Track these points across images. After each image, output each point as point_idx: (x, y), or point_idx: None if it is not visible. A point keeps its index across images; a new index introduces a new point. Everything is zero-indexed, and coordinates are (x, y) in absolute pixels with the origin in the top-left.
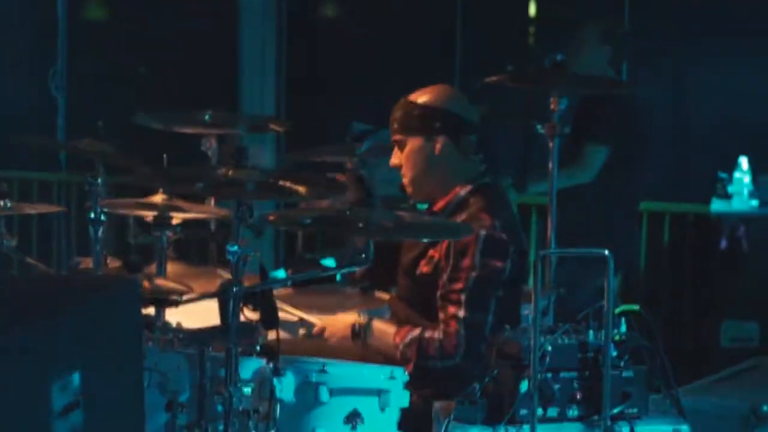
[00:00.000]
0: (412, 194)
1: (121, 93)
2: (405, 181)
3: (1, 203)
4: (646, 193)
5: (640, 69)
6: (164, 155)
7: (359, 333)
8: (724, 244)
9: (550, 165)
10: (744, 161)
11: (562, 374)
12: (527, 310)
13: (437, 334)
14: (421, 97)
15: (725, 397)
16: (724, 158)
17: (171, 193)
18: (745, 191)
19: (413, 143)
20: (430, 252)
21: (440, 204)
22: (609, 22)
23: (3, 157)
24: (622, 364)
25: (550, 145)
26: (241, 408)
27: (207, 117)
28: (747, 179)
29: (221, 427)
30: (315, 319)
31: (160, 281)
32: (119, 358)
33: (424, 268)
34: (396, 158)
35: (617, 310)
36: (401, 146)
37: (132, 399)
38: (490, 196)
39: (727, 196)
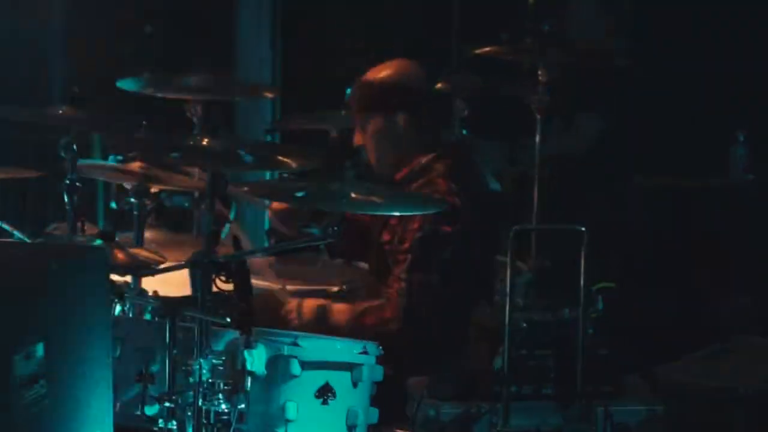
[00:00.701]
0: (377, 169)
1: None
2: (370, 158)
3: None
4: (645, 167)
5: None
6: (143, 121)
7: (321, 317)
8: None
9: (537, 137)
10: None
11: (537, 352)
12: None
13: (379, 301)
14: (378, 76)
15: (703, 378)
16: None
17: (149, 162)
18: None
19: (374, 123)
20: (391, 221)
21: (403, 172)
22: None
23: None
24: (598, 342)
25: (538, 117)
26: (211, 380)
27: (189, 81)
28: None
29: (191, 399)
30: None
31: (134, 250)
32: (86, 328)
33: (385, 236)
34: (359, 138)
35: (593, 288)
36: (362, 126)
37: (99, 370)
38: (451, 162)
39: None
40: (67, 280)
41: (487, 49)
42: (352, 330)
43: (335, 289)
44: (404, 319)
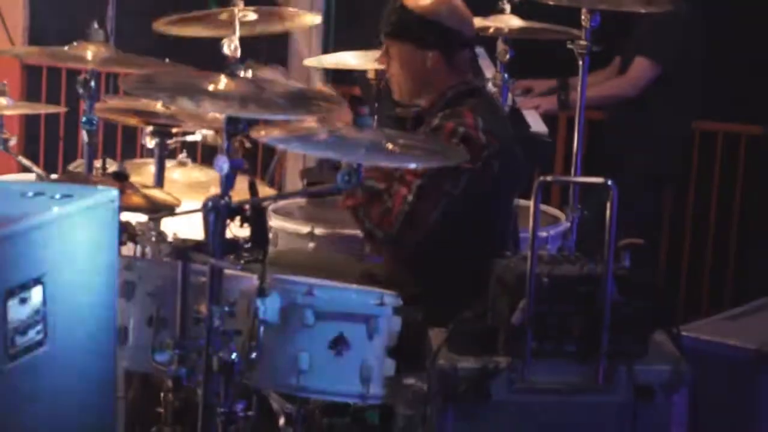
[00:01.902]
0: (398, 95)
1: None
2: (392, 84)
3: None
4: (699, 112)
5: None
6: (165, 59)
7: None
8: None
9: (580, 83)
10: None
11: (560, 308)
12: (545, 232)
13: (387, 204)
14: (418, 4)
15: (731, 337)
16: None
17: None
18: None
19: (404, 50)
20: None
21: (427, 106)
22: None
23: None
24: (623, 299)
25: (580, 62)
26: (222, 328)
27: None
28: None
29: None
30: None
31: (150, 192)
32: (90, 272)
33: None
34: (383, 60)
35: (621, 244)
36: (391, 51)
37: (103, 316)
38: (479, 99)
39: None
40: (71, 221)
41: None
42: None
43: None
44: (394, 237)
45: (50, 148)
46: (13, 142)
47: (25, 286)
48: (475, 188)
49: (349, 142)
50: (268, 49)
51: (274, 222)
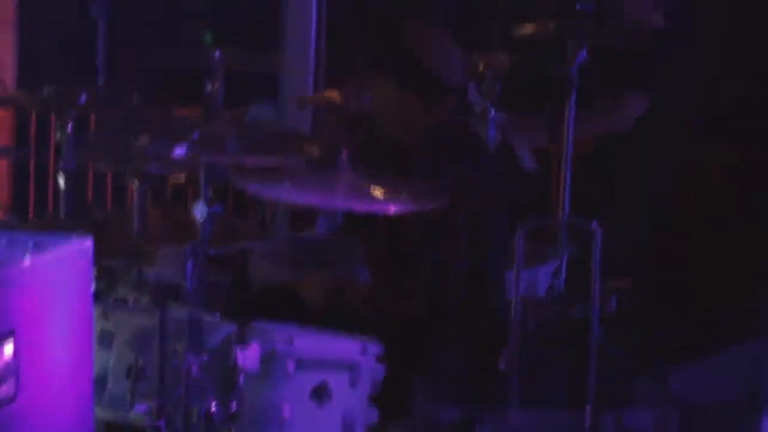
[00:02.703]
0: (380, 131)
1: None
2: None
3: None
4: (692, 145)
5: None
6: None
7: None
8: None
9: (568, 118)
10: None
11: (546, 353)
12: (534, 272)
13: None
14: (402, 44)
15: (720, 381)
16: None
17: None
18: None
19: (383, 89)
20: None
21: (409, 142)
22: None
23: None
24: (609, 343)
25: (567, 98)
26: (202, 377)
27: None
28: None
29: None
30: None
31: (129, 238)
32: (65, 323)
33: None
34: (365, 96)
35: (607, 286)
36: (371, 86)
37: (79, 367)
38: (464, 135)
39: None
40: (44, 271)
41: (525, 29)
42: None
43: None
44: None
45: (41, 191)
46: None
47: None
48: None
49: (329, 187)
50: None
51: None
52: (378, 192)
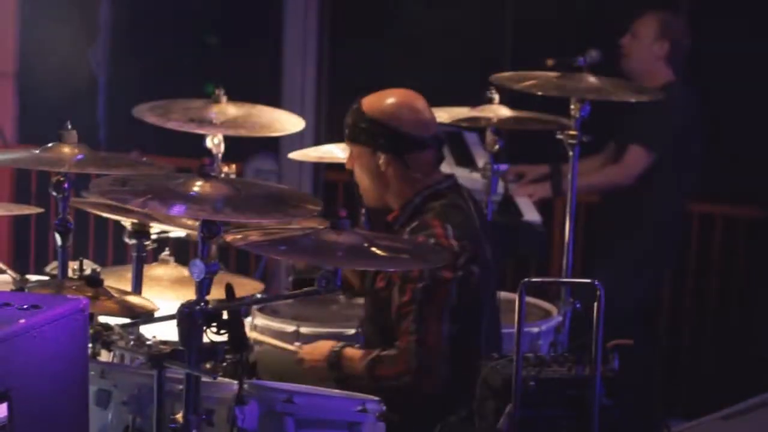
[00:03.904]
0: (366, 201)
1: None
2: (359, 187)
3: None
4: (696, 195)
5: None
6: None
7: (334, 363)
8: None
9: (571, 172)
10: None
11: (547, 411)
12: (536, 327)
13: (392, 352)
14: (373, 107)
15: None
16: None
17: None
18: None
19: (360, 153)
20: None
21: (393, 215)
22: (667, 15)
23: None
24: (612, 402)
25: (570, 153)
26: None
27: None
28: None
29: None
30: (293, 348)
31: (125, 297)
32: (60, 385)
33: (380, 282)
34: (349, 163)
35: (609, 344)
36: (352, 152)
37: (76, 426)
38: (445, 202)
39: None
40: (38, 332)
41: (524, 83)
42: (367, 381)
43: (351, 332)
44: (417, 371)
45: (41, 247)
46: None
47: None
48: (462, 295)
49: (329, 246)
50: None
51: (259, 320)
52: (379, 251)
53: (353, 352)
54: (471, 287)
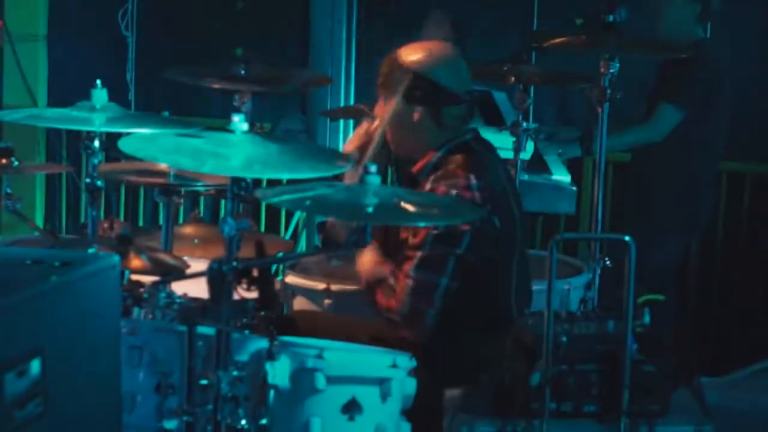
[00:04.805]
0: (394, 150)
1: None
2: (387, 136)
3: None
4: (726, 153)
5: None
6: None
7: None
8: None
9: (600, 129)
10: None
11: (579, 367)
12: (566, 284)
13: (394, 284)
14: (409, 58)
15: (758, 393)
16: None
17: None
18: None
19: (393, 104)
20: None
21: (418, 165)
22: None
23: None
24: (643, 357)
25: (599, 109)
26: (231, 393)
27: (242, 71)
28: None
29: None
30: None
31: (157, 254)
32: (92, 341)
33: (404, 233)
34: (379, 111)
35: (640, 300)
36: (385, 101)
37: (107, 386)
38: (470, 154)
39: None
40: (70, 289)
41: (554, 41)
42: (366, 289)
43: None
44: (406, 315)
45: (73, 208)
46: (20, 203)
47: (23, 359)
48: (480, 247)
49: (358, 202)
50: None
51: (290, 278)
52: (409, 207)
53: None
54: (490, 240)
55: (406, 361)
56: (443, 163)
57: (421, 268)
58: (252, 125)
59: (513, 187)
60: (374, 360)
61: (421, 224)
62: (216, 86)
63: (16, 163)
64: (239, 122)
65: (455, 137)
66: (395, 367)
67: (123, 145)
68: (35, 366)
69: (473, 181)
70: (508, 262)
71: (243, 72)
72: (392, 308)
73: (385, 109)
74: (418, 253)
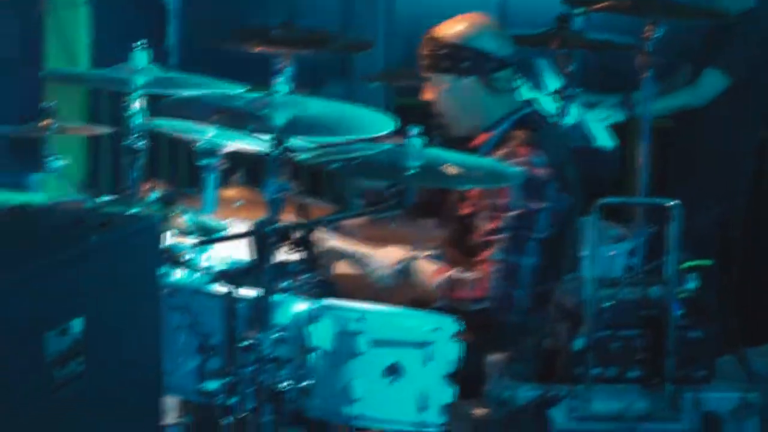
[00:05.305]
0: (451, 131)
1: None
2: (441, 118)
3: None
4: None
5: None
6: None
7: (402, 270)
8: None
9: (645, 94)
10: None
11: (622, 332)
12: (612, 251)
13: (471, 275)
14: (447, 32)
15: None
16: None
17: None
18: None
19: (442, 81)
20: (468, 193)
21: (481, 138)
22: None
23: None
24: (688, 323)
25: (643, 74)
26: (273, 355)
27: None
28: None
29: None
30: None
31: (199, 216)
32: (133, 301)
33: (465, 209)
34: (428, 94)
35: (686, 265)
36: (433, 83)
37: (147, 346)
38: (531, 130)
39: None
40: (111, 250)
41: (599, 5)
42: (439, 298)
43: (428, 253)
44: (494, 299)
45: (114, 170)
46: (61, 164)
47: (65, 318)
48: (553, 223)
49: (400, 163)
50: None
51: (333, 242)
52: (452, 169)
53: (427, 265)
54: (560, 216)
55: (449, 325)
56: (504, 141)
57: (503, 251)
58: (295, 88)
59: (571, 157)
60: (417, 323)
61: (465, 187)
62: (258, 49)
63: (58, 124)
64: (281, 84)
65: (512, 111)
66: (438, 331)
67: (164, 107)
68: (77, 325)
69: (538, 158)
70: (570, 232)
71: (284, 35)
72: (480, 296)
73: (435, 90)
74: (498, 237)
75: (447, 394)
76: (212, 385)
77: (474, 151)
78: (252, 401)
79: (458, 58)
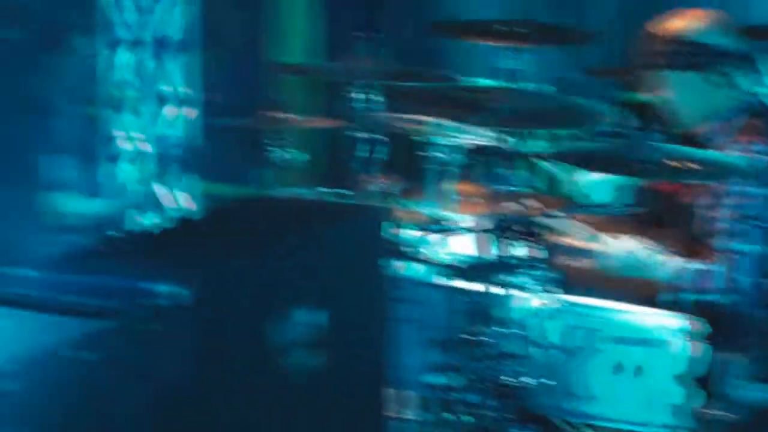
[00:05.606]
0: (681, 125)
1: None
2: (664, 113)
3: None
4: None
5: None
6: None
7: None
8: None
9: None
10: None
11: None
12: None
13: (702, 267)
14: (675, 27)
15: None
16: None
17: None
18: None
19: (670, 78)
20: None
21: (707, 130)
22: None
23: None
24: None
25: None
26: (501, 351)
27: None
28: None
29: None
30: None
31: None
32: (357, 293)
33: (685, 197)
34: (651, 89)
35: None
36: (658, 78)
37: (371, 337)
38: (761, 119)
39: None
40: (336, 243)
41: None
42: (680, 290)
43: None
44: (731, 291)
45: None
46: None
47: (297, 306)
48: None
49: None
50: None
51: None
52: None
53: (663, 257)
54: None
55: (690, 325)
56: (734, 130)
57: (740, 240)
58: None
59: None
60: (658, 322)
61: (699, 181)
62: (483, 42)
63: (289, 116)
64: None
65: (737, 103)
66: (676, 330)
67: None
68: (309, 314)
69: (764, 146)
70: None
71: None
72: (710, 289)
73: (660, 85)
74: (725, 225)
75: (679, 394)
76: (436, 379)
77: (699, 144)
78: (482, 397)
79: (688, 53)
